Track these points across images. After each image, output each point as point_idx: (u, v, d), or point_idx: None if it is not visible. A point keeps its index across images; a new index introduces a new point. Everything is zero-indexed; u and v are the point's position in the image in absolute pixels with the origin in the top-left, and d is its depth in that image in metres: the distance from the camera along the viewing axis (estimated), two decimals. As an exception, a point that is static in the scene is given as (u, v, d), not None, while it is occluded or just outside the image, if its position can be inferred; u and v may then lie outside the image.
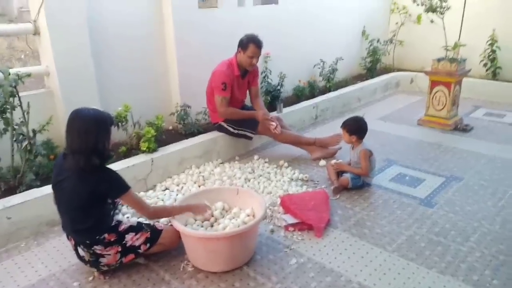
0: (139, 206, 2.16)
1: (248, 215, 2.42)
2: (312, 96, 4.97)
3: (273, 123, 3.53)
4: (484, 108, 5.18)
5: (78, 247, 2.12)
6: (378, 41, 6.09)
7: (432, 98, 4.49)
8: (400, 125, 4.61)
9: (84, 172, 2.01)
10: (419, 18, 6.01)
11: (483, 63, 5.63)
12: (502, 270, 2.18)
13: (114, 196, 2.12)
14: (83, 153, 1.97)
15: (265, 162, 3.62)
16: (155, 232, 2.22)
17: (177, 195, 2.87)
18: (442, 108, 4.44)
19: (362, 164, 3.05)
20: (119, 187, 2.08)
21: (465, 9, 4.54)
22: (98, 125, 2.02)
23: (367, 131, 3.16)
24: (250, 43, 3.39)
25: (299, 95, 4.90)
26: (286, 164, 3.54)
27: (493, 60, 5.56)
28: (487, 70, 5.65)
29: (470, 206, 2.84)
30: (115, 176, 2.09)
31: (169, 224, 2.35)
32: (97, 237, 2.09)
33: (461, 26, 4.54)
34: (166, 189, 3.11)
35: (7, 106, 2.68)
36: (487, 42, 5.56)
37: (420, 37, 6.19)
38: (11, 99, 2.69)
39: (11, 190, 2.73)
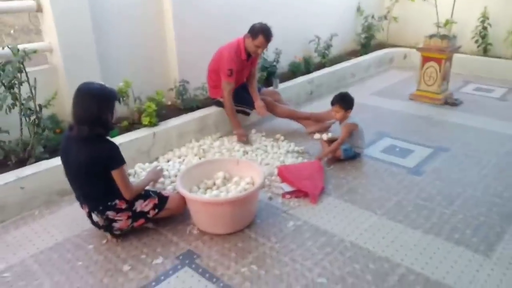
0: (126, 184, 2.24)
1: (248, 183, 2.60)
2: (308, 71, 5.08)
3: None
4: (474, 83, 5.34)
5: (92, 214, 2.29)
6: (372, 17, 6.16)
7: (424, 73, 4.64)
8: (393, 99, 4.76)
9: (87, 142, 2.14)
10: (413, -6, 6.06)
11: (475, 39, 5.75)
12: (481, 229, 2.39)
13: (112, 167, 2.18)
14: (86, 123, 2.11)
15: (262, 135, 3.78)
16: (162, 198, 2.39)
17: (180, 165, 3.03)
18: (433, 83, 4.59)
19: (342, 132, 3.21)
20: (117, 158, 2.20)
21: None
22: (100, 97, 2.15)
23: None
24: (260, 34, 3.41)
25: (295, 71, 5.02)
26: (282, 138, 3.70)
27: (484, 36, 5.68)
28: (478, 47, 5.78)
29: (455, 174, 3.04)
30: (115, 148, 2.23)
31: (175, 191, 2.52)
32: (109, 203, 2.25)
33: (454, 3, 4.63)
34: (169, 160, 3.27)
35: (15, 82, 2.79)
36: (478, 19, 5.67)
37: (414, 14, 6.27)
38: (18, 74, 2.79)
39: (21, 162, 2.86)
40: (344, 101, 3.27)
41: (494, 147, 3.46)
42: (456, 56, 4.75)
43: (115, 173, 2.20)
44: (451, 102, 4.56)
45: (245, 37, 3.55)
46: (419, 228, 2.41)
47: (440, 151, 3.41)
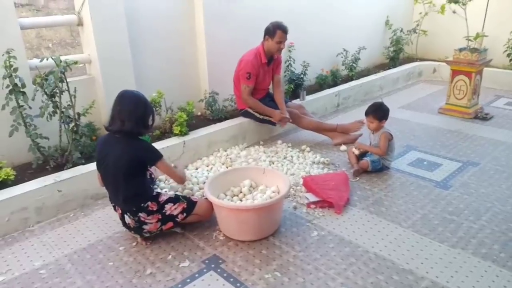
0: (172, 171, 2.49)
1: (274, 192, 2.65)
2: (335, 84, 5.12)
3: (285, 122, 3.78)
4: (506, 97, 5.21)
5: (124, 215, 2.40)
6: (401, 30, 6.15)
7: (453, 87, 4.58)
8: (421, 113, 4.72)
9: (126, 139, 2.31)
10: (443, 8, 6.00)
11: (507, 53, 5.63)
12: (510, 245, 2.34)
13: (151, 162, 2.41)
14: (132, 121, 2.30)
15: (288, 146, 3.83)
16: (191, 203, 2.48)
17: (208, 173, 3.12)
18: (463, 97, 4.53)
19: (381, 144, 3.22)
20: (154, 153, 2.41)
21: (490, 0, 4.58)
22: (145, 101, 2.39)
23: None
24: (277, 30, 3.59)
25: (322, 84, 5.06)
26: (308, 149, 3.74)
27: (517, 50, 5.56)
28: (510, 61, 5.64)
29: (484, 188, 2.99)
30: (149, 145, 2.46)
31: (203, 197, 2.60)
32: (142, 205, 2.36)
33: (485, 16, 4.58)
34: (197, 168, 3.37)
35: (57, 91, 2.97)
36: (511, 32, 5.55)
37: (444, 27, 6.21)
38: (59, 84, 2.97)
39: (59, 167, 3.03)
40: (377, 112, 3.28)
41: (526, 163, 3.38)
42: (487, 70, 4.68)
43: (159, 166, 2.41)
44: (481, 116, 4.47)
45: (263, 42, 3.71)
46: (445, 242, 2.39)
47: (469, 166, 3.36)
